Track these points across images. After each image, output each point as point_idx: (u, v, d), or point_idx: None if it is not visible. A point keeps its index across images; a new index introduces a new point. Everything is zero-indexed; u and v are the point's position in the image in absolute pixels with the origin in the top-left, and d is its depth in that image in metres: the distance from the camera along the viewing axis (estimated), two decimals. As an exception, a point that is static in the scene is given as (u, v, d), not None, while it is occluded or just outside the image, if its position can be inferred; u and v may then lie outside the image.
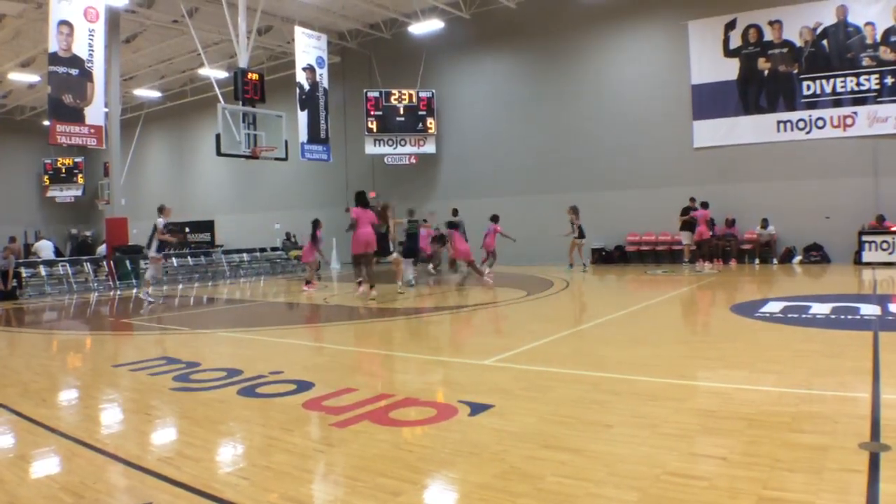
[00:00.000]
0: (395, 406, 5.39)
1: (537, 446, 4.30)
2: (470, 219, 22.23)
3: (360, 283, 14.97)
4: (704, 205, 18.88)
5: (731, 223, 20.38)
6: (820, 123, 19.25)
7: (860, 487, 3.45)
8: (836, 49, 19.07)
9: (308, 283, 17.42)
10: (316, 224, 17.95)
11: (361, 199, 14.07)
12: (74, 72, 18.44)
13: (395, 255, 16.17)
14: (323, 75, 23.97)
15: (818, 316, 9.50)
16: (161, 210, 15.23)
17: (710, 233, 19.02)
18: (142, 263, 20.09)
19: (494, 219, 18.71)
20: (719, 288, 14.70)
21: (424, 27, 24.68)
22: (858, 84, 18.70)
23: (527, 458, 4.10)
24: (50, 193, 39.44)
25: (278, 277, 23.40)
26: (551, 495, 3.52)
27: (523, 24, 24.25)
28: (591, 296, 14.06)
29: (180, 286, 20.82)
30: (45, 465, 4.45)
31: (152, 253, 15.46)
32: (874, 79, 18.52)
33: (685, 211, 19.34)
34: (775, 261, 19.71)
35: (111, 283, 20.30)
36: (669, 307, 11.92)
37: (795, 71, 19.68)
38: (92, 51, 18.82)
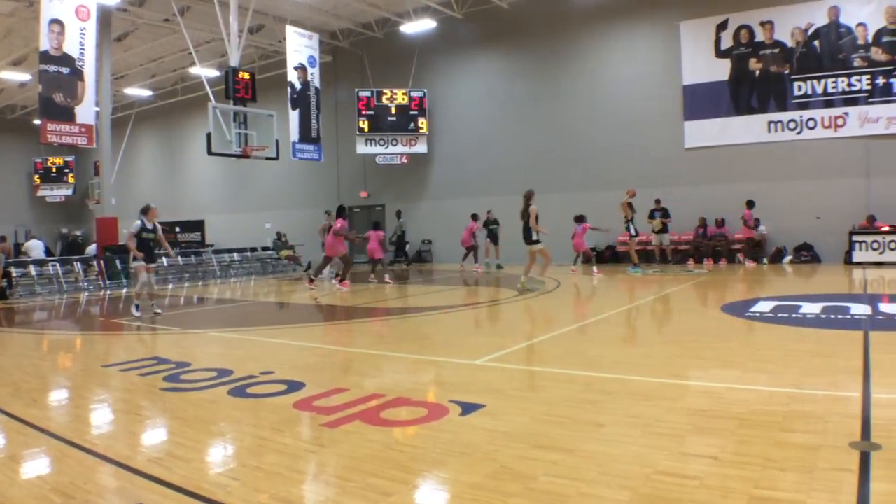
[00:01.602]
0: (386, 406, 5.38)
1: (529, 446, 4.30)
2: (463, 218, 22.28)
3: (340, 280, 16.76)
4: (750, 203, 18.99)
5: (721, 223, 20.45)
6: (811, 124, 19.33)
7: (851, 486, 3.47)
8: (828, 50, 19.16)
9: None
10: (341, 212, 16.92)
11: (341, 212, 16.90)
12: (65, 70, 18.37)
13: (541, 245, 14.66)
14: (314, 74, 23.95)
15: (808, 316, 9.53)
16: (146, 211, 12.40)
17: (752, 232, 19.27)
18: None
19: (580, 219, 18.80)
20: (710, 288, 14.75)
21: (416, 27, 24.65)
22: (850, 85, 18.79)
23: (518, 457, 4.10)
24: (40, 193, 39.27)
25: (269, 277, 23.35)
26: (543, 495, 3.52)
27: (516, 24, 24.27)
28: (582, 295, 14.08)
29: (170, 286, 20.76)
30: (36, 466, 4.43)
31: (133, 262, 12.75)
32: (865, 79, 18.61)
33: (652, 214, 19.47)
34: (766, 260, 19.77)
35: (101, 282, 20.22)
36: (661, 307, 11.96)
37: (787, 71, 19.77)
38: (83, 49, 18.75)
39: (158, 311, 12.73)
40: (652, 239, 19.90)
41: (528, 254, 14.86)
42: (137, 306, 12.63)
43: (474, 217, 21.69)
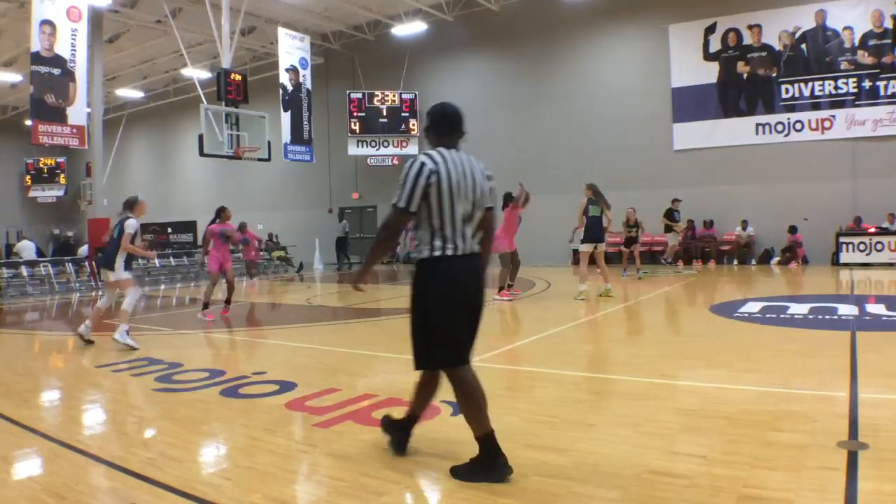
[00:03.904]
0: (378, 406, 5.40)
1: (519, 446, 4.32)
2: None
3: None
4: None
5: (709, 225, 20.53)
6: (798, 126, 19.46)
7: (839, 485, 3.51)
8: (815, 53, 19.29)
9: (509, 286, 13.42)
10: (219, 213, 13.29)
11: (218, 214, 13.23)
12: (57, 71, 18.29)
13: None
14: (306, 76, 23.93)
15: (796, 316, 9.60)
16: (132, 205, 9.22)
17: None
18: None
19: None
20: (699, 288, 14.81)
21: (408, 29, 24.68)
22: (837, 88, 18.93)
23: (509, 457, 4.11)
24: (32, 193, 39.10)
25: (261, 278, 23.32)
26: (534, 494, 3.55)
27: (506, 27, 24.34)
28: (572, 296, 14.10)
29: (163, 287, 20.72)
30: (28, 467, 4.44)
31: (119, 274, 9.06)
32: (852, 82, 18.75)
33: (668, 213, 19.37)
34: (753, 262, 19.88)
35: (93, 283, 20.15)
36: (650, 307, 11.99)
37: (774, 74, 19.90)
38: (74, 50, 18.68)
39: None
40: (668, 238, 19.45)
41: (599, 256, 13.24)
42: (126, 333, 8.93)
43: None
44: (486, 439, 3.83)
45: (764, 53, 20.05)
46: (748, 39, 20.25)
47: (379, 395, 5.76)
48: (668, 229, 18.86)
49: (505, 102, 24.68)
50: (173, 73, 31.60)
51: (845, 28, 18.86)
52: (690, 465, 3.89)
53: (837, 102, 18.97)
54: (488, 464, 3.80)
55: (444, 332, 3.84)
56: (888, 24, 18.34)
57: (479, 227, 4.10)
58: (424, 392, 4.19)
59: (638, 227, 17.47)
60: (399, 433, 4.28)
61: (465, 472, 3.82)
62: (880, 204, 18.24)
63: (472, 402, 3.88)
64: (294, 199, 30.23)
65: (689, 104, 21.02)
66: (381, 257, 3.92)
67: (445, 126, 4.22)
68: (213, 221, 12.69)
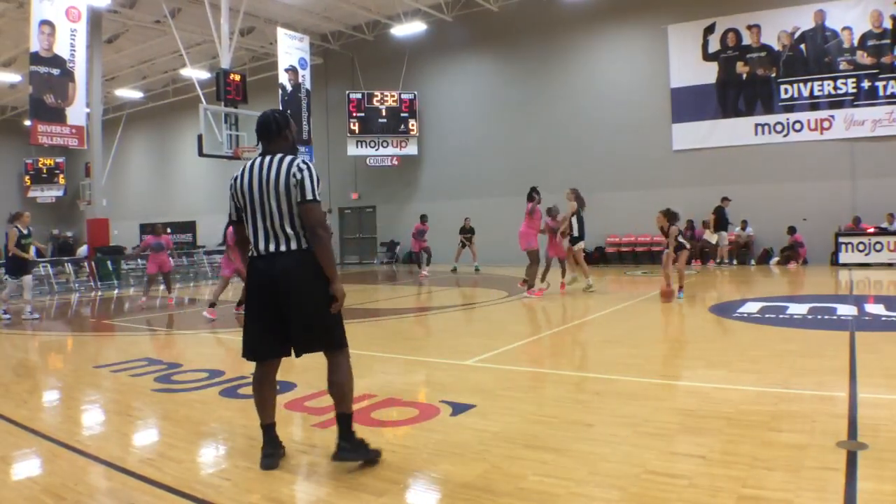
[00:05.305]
0: (377, 406, 5.40)
1: (519, 446, 4.33)
2: (451, 221, 22.28)
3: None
4: None
5: (708, 225, 20.54)
6: (797, 126, 19.46)
7: (838, 486, 3.51)
8: (814, 53, 19.30)
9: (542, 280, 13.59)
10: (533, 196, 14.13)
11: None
12: (56, 72, 18.31)
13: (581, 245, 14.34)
14: (305, 76, 23.94)
15: (795, 316, 9.61)
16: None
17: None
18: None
19: None
20: (698, 288, 14.79)
21: (407, 29, 24.68)
22: (836, 88, 18.94)
23: (509, 457, 4.13)
24: (31, 194, 39.07)
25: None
26: (533, 494, 3.55)
27: (506, 27, 24.34)
28: (571, 297, 14.10)
29: (161, 287, 20.67)
30: (27, 467, 4.43)
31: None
32: (851, 83, 18.76)
33: (719, 211, 19.27)
34: (753, 262, 19.88)
35: (92, 283, 20.17)
36: (649, 307, 11.98)
37: (773, 75, 19.91)
38: (73, 51, 18.69)
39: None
40: (719, 238, 19.47)
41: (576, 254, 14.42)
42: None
43: (423, 219, 21.06)
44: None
45: (763, 54, 20.07)
46: (747, 40, 20.26)
47: (377, 395, 5.76)
48: (717, 227, 18.92)
49: (504, 102, 24.68)
50: (172, 74, 31.61)
51: (844, 28, 18.87)
52: (689, 465, 3.89)
53: (836, 103, 18.98)
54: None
55: (244, 329, 4.24)
56: (887, 24, 18.35)
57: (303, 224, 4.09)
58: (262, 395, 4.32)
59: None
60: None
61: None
62: (879, 204, 18.24)
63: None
64: (293, 200, 30.19)
65: (689, 104, 21.02)
66: (242, 262, 4.33)
67: (258, 134, 4.30)
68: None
